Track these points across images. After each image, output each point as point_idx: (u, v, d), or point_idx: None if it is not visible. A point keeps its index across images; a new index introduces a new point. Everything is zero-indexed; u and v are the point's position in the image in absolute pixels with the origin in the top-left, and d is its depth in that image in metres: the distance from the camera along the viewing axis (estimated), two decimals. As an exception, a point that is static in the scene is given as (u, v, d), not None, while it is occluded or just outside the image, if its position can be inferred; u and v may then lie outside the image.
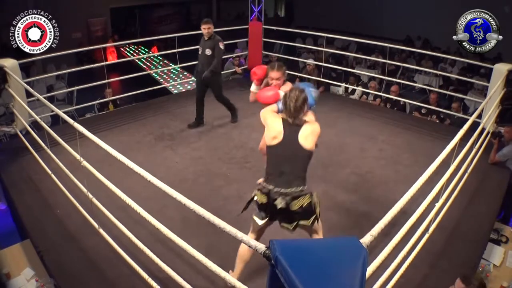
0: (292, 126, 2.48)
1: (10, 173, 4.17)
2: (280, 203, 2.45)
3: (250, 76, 3.42)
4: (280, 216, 2.55)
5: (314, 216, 2.50)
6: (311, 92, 2.76)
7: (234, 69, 7.43)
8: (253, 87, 3.38)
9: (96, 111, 6.42)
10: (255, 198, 2.58)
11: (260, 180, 4.00)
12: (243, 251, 2.64)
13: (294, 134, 2.46)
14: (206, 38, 4.96)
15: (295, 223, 2.51)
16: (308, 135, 2.46)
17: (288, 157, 2.47)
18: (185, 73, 9.29)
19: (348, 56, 9.78)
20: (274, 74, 3.15)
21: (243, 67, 7.47)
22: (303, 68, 7.63)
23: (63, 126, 4.98)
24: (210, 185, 4.02)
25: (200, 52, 5.03)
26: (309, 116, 2.65)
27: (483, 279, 2.47)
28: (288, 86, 3.24)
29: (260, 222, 2.58)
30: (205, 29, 4.89)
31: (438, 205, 3.00)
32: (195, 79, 5.31)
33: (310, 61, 7.50)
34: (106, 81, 5.85)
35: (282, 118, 2.52)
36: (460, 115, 5.71)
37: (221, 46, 4.94)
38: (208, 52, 4.92)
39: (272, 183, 2.50)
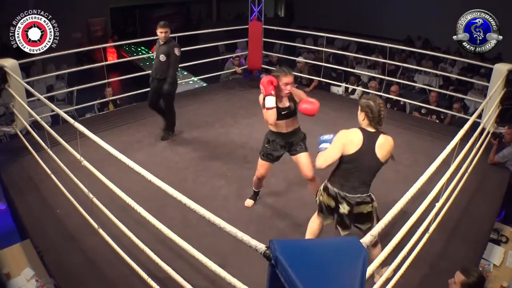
0: (371, 135, 2.49)
1: (10, 173, 4.17)
2: (344, 208, 2.54)
3: (261, 89, 3.03)
4: (339, 219, 2.65)
5: (370, 225, 2.60)
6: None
7: (234, 69, 7.43)
8: (271, 101, 3.00)
9: (96, 111, 6.41)
10: (320, 199, 2.69)
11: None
12: (311, 224, 2.85)
13: (372, 144, 2.48)
14: (161, 43, 4.58)
15: (349, 229, 2.63)
16: (386, 150, 2.51)
17: (361, 166, 2.50)
18: (185, 72, 9.30)
19: (348, 56, 9.78)
20: (288, 79, 3.06)
21: (243, 67, 7.47)
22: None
23: (63, 126, 4.99)
24: (210, 185, 4.02)
25: (154, 57, 4.70)
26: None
27: (482, 272, 2.50)
28: (299, 91, 3.26)
29: (325, 222, 2.74)
30: (162, 32, 4.49)
31: (438, 205, 3.00)
32: (150, 86, 4.82)
33: (300, 59, 7.50)
34: (106, 81, 5.85)
35: (360, 129, 2.52)
36: (460, 115, 5.72)
37: (177, 52, 4.55)
38: (162, 58, 4.55)
39: (337, 186, 2.57)
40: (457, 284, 2.45)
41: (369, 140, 2.48)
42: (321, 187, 2.72)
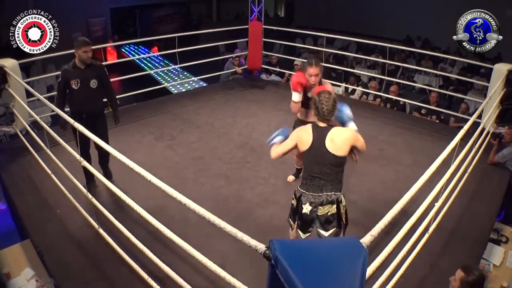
0: (321, 129, 2.49)
1: (10, 173, 4.17)
2: (306, 208, 2.48)
3: (291, 85, 3.35)
4: (300, 222, 2.55)
5: (334, 229, 2.50)
6: (345, 110, 2.73)
7: (234, 69, 7.43)
8: (296, 97, 3.33)
9: (96, 111, 6.40)
10: (292, 202, 2.63)
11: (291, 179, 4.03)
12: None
13: (322, 139, 2.46)
14: (83, 66, 3.65)
15: (331, 230, 2.50)
16: (339, 143, 2.45)
17: (318, 161, 2.48)
18: (185, 72, 9.31)
19: (348, 56, 9.78)
20: (313, 70, 3.23)
21: (243, 67, 7.47)
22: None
23: (63, 126, 4.98)
24: (210, 185, 4.02)
25: (75, 87, 3.63)
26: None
27: (483, 272, 2.49)
28: (327, 85, 3.37)
29: (293, 225, 2.63)
30: (87, 52, 3.63)
31: (438, 205, 3.00)
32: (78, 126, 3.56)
33: (299, 61, 7.50)
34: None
35: (312, 124, 2.54)
36: (461, 115, 5.71)
37: (107, 73, 3.89)
38: (93, 84, 3.65)
39: (304, 187, 2.53)
40: (457, 281, 2.44)
41: (319, 135, 2.48)
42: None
